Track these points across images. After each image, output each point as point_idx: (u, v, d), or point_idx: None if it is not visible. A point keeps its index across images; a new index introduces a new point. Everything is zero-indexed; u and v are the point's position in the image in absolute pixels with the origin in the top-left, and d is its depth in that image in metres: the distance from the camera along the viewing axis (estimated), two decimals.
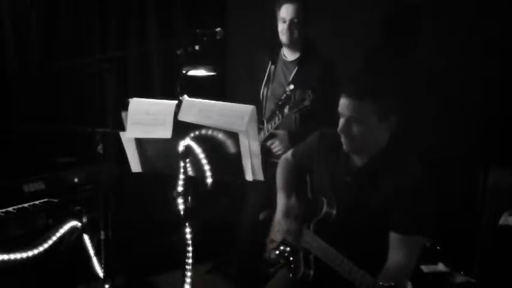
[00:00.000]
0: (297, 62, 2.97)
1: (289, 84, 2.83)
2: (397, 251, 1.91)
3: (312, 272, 2.08)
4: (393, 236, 1.93)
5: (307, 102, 2.67)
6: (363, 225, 2.00)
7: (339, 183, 2.12)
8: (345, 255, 1.89)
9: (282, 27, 2.94)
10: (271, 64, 3.04)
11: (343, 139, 2.04)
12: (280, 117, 2.80)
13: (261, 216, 2.53)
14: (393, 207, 1.93)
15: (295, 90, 2.73)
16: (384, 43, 3.23)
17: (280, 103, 2.79)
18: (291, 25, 2.90)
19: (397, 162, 2.00)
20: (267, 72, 3.03)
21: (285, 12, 2.91)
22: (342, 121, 2.01)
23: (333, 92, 2.70)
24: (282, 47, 3.04)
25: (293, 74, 2.96)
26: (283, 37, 2.94)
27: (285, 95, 2.77)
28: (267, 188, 2.48)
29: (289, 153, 2.45)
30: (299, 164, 2.38)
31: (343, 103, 1.99)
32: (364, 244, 1.95)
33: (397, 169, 1.98)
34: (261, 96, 3.04)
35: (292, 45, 2.97)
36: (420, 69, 2.98)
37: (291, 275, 2.16)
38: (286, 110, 2.76)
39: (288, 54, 3.02)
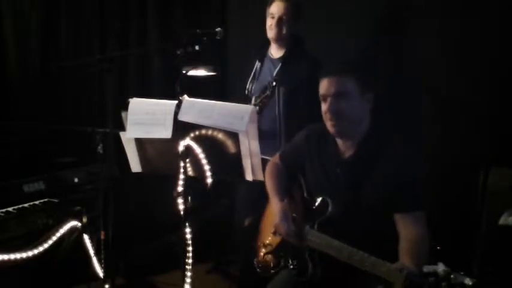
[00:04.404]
0: (282, 59, 2.99)
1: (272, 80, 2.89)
2: (408, 228, 1.94)
3: (319, 271, 2.07)
4: (399, 217, 1.96)
5: (268, 92, 2.75)
6: (363, 215, 2.01)
7: (332, 177, 2.13)
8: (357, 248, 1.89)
9: (270, 23, 2.98)
10: (258, 62, 3.08)
11: (328, 121, 2.05)
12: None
13: (246, 222, 2.51)
14: (389, 190, 1.96)
15: (277, 86, 2.80)
16: (378, 42, 3.22)
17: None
18: (279, 21, 2.94)
19: (383, 149, 2.03)
20: (254, 69, 3.08)
21: (275, 8, 2.95)
22: (326, 102, 2.03)
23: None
24: (269, 45, 3.07)
25: (276, 70, 2.98)
26: (271, 32, 2.98)
27: (266, 90, 2.83)
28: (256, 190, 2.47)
29: (276, 156, 2.42)
30: (289, 165, 2.37)
31: (327, 82, 2.02)
32: (370, 234, 1.95)
33: (384, 156, 2.01)
34: (246, 93, 3.08)
35: (278, 42, 3.00)
36: (420, 68, 2.98)
37: (296, 276, 2.14)
38: (252, 101, 2.88)
39: (274, 52, 3.05)
